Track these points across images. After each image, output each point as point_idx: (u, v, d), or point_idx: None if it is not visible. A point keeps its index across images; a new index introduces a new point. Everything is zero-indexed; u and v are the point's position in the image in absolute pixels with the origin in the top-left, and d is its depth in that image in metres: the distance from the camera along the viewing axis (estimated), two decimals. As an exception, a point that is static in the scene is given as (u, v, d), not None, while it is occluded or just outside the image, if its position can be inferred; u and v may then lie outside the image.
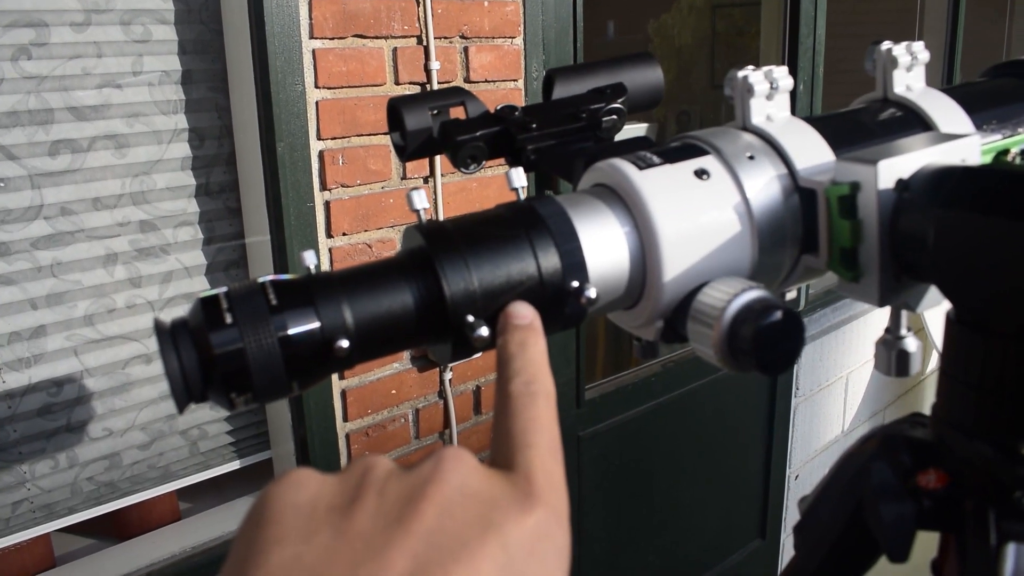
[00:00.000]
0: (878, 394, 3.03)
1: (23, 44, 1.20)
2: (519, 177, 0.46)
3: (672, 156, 0.47)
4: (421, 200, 0.44)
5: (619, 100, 0.58)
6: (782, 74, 0.50)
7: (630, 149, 0.50)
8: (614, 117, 0.57)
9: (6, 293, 1.24)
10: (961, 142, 0.47)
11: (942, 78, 3.31)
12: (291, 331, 0.37)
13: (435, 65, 1.48)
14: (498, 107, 0.56)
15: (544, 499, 0.31)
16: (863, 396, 2.95)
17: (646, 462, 2.18)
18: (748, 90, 0.49)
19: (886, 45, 0.56)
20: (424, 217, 0.44)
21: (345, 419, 1.50)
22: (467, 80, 1.55)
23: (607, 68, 0.60)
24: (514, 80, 1.63)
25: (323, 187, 1.40)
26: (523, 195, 0.46)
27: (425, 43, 1.47)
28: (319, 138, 1.38)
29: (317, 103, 1.36)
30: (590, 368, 2.48)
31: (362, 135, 1.43)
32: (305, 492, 0.30)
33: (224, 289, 0.38)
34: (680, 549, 2.37)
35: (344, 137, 1.41)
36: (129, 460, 1.39)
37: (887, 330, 0.50)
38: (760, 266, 0.47)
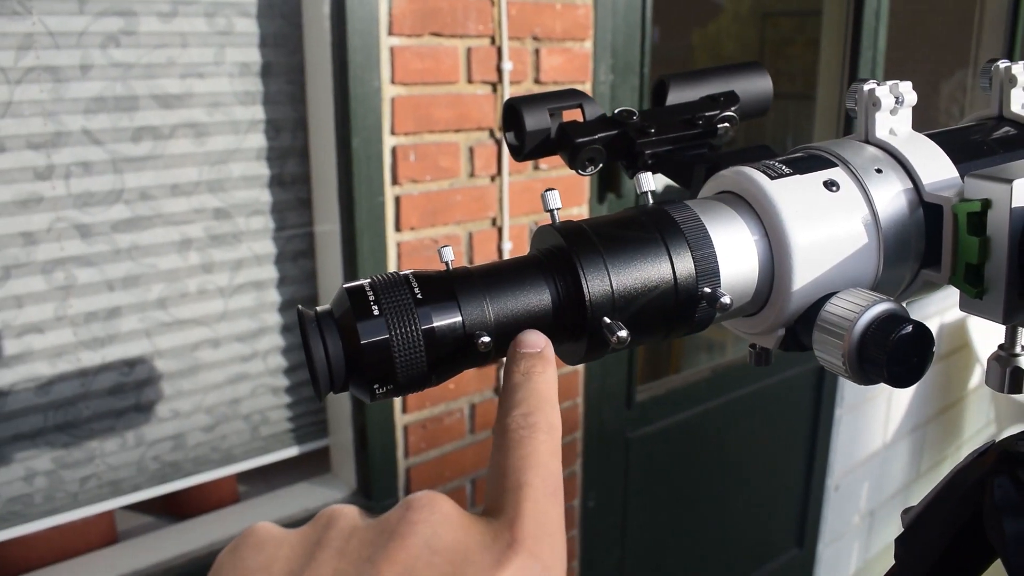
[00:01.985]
0: (920, 409, 3.00)
1: (112, 32, 1.23)
2: (648, 182, 0.47)
3: (801, 167, 0.47)
4: (555, 200, 0.46)
5: (732, 108, 0.59)
6: (907, 88, 0.51)
7: (753, 158, 0.51)
8: (727, 125, 0.58)
9: (85, 274, 1.28)
10: (1094, 163, 0.47)
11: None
12: (435, 324, 0.38)
13: (507, 66, 1.49)
14: (615, 111, 0.57)
15: (527, 548, 0.28)
16: (906, 410, 2.92)
17: (691, 466, 2.18)
18: (874, 103, 0.50)
19: (1004, 63, 0.56)
20: (558, 217, 0.45)
21: (404, 411, 1.52)
22: (536, 81, 1.56)
23: (719, 75, 0.61)
24: (582, 83, 1.64)
25: (394, 182, 1.42)
26: (651, 200, 0.47)
27: (499, 43, 1.49)
28: (392, 133, 1.40)
29: (392, 99, 1.38)
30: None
31: (434, 132, 1.44)
32: (261, 555, 0.29)
33: (367, 280, 0.39)
34: (719, 554, 2.37)
35: (416, 133, 1.42)
36: (193, 442, 1.42)
37: (1001, 347, 0.50)
38: (883, 279, 0.48)
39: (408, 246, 1.46)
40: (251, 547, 0.29)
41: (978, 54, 3.33)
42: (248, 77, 1.36)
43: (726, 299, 0.42)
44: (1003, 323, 0.46)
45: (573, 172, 1.68)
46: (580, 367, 1.77)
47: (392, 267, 1.46)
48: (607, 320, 0.40)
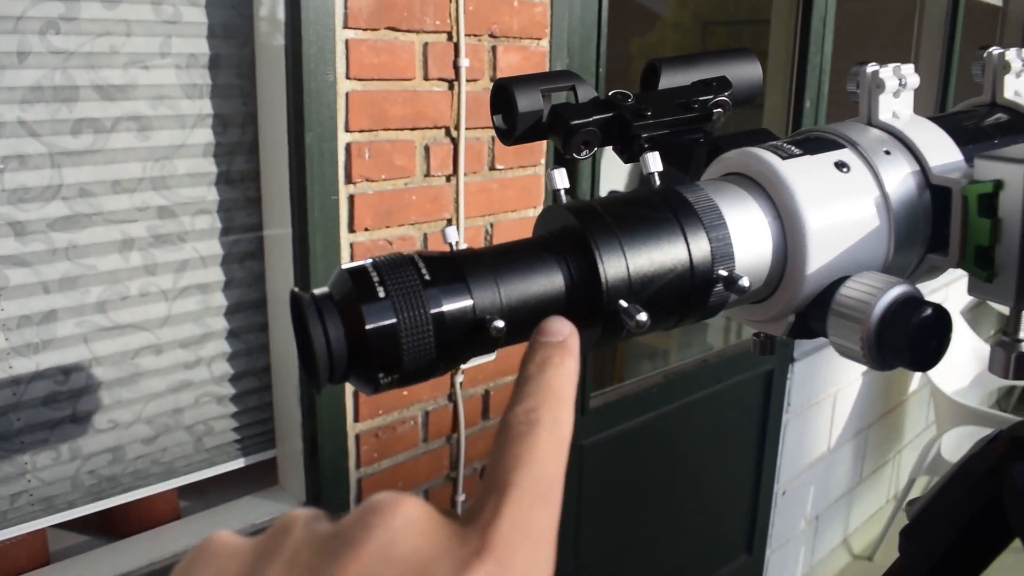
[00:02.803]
0: (863, 413, 3.05)
1: (52, 18, 1.17)
2: (655, 162, 0.45)
3: (810, 148, 0.46)
4: (563, 179, 0.43)
5: (725, 93, 0.57)
6: (909, 71, 0.50)
7: (755, 140, 0.49)
8: (720, 110, 0.56)
9: (19, 275, 1.21)
10: (1103, 144, 0.46)
11: (935, 104, 3.36)
12: (445, 308, 0.35)
13: (464, 62, 1.47)
14: (609, 93, 0.54)
15: (496, 555, 0.25)
16: (849, 415, 2.96)
17: (644, 473, 2.17)
18: (878, 85, 0.49)
19: (997, 50, 0.55)
20: (564, 198, 0.43)
21: (356, 419, 1.47)
22: (493, 79, 1.54)
23: (710, 61, 0.59)
24: (537, 83, 1.62)
25: (348, 180, 1.38)
26: (658, 181, 0.45)
27: (456, 39, 1.46)
28: (347, 130, 1.36)
29: (347, 94, 1.34)
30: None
31: (389, 129, 1.41)
32: (211, 569, 0.27)
33: (368, 260, 0.36)
34: (672, 561, 2.37)
35: (372, 130, 1.39)
36: (133, 454, 1.35)
37: (1004, 332, 0.49)
38: (893, 263, 0.46)
39: (362, 247, 1.42)
40: (203, 560, 0.27)
41: (918, 61, 3.42)
42: (195, 69, 1.31)
43: (744, 281, 0.40)
44: (1015, 306, 0.45)
45: (528, 173, 1.66)
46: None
47: (345, 269, 1.41)
48: (624, 304, 0.38)
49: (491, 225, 1.61)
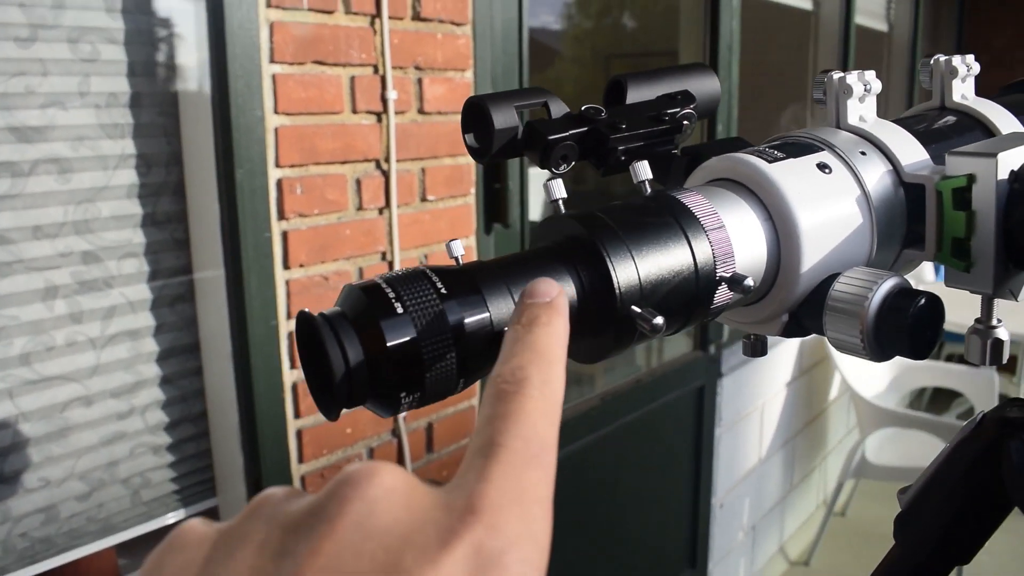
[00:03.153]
0: (789, 423, 3.13)
1: (-38, 61, 1.12)
2: (645, 170, 0.45)
3: (792, 151, 0.47)
4: (561, 190, 0.43)
5: (691, 105, 0.58)
6: (872, 77, 0.52)
7: (732, 148, 0.50)
8: (687, 122, 0.57)
9: (-65, 330, 1.14)
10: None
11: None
12: (465, 320, 0.35)
13: (392, 95, 1.46)
14: (582, 108, 0.55)
15: (485, 520, 0.23)
16: (776, 425, 3.04)
17: (586, 494, 2.18)
18: (845, 91, 0.50)
19: (944, 57, 0.58)
20: (563, 208, 0.43)
21: (300, 460, 1.44)
22: (421, 111, 1.54)
23: (671, 75, 0.60)
24: (464, 112, 1.62)
25: (281, 216, 1.35)
26: (648, 189, 0.45)
27: (382, 72, 1.45)
28: (277, 165, 1.33)
29: (276, 129, 1.32)
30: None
31: (320, 163, 1.39)
32: (181, 557, 0.25)
33: (378, 277, 0.35)
34: (617, 584, 2.37)
35: (302, 165, 1.37)
36: (67, 513, 1.29)
37: (978, 320, 0.51)
38: (876, 260, 0.48)
39: (298, 284, 1.39)
40: (172, 550, 0.25)
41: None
42: (116, 108, 1.27)
43: (749, 281, 0.40)
44: (992, 293, 0.47)
45: (459, 203, 1.67)
46: (475, 401, 1.74)
47: (282, 308, 1.38)
48: (637, 309, 0.38)
49: (425, 256, 1.60)
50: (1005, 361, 0.49)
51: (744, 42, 2.58)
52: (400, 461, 1.59)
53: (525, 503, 0.25)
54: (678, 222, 0.41)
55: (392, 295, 0.34)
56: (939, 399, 4.17)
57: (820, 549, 3.19)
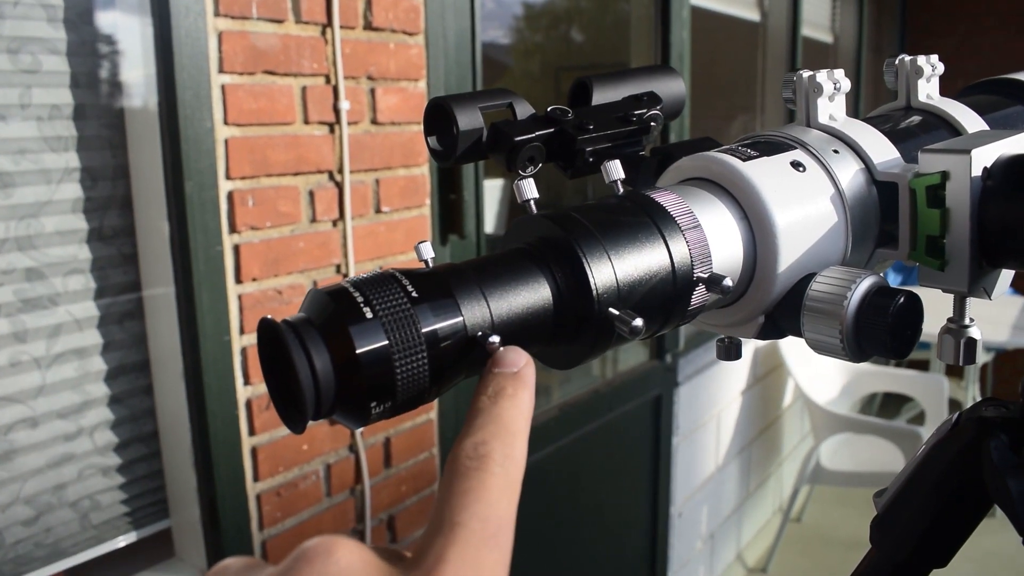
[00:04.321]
0: (745, 430, 3.15)
1: None
2: (617, 170, 0.44)
3: (765, 149, 0.46)
4: (532, 190, 0.42)
5: (657, 107, 0.57)
6: (841, 76, 0.51)
7: (704, 147, 0.50)
8: (654, 123, 0.57)
9: None
10: (1030, 134, 0.49)
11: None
12: (437, 325, 0.33)
13: (344, 105, 1.44)
14: (548, 109, 0.54)
15: None
16: (732, 433, 3.05)
17: (546, 505, 2.16)
18: (816, 89, 0.50)
19: (909, 57, 0.58)
20: (534, 208, 0.41)
21: (256, 478, 1.40)
22: (374, 122, 1.52)
23: (637, 77, 0.59)
24: (419, 123, 1.61)
25: (232, 230, 1.32)
26: (620, 189, 0.44)
27: (334, 82, 1.43)
28: (228, 177, 1.30)
29: (227, 140, 1.29)
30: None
31: (272, 175, 1.36)
32: None
33: (346, 281, 0.34)
34: (578, 597, 2.35)
35: (254, 177, 1.33)
36: (12, 538, 1.23)
37: (951, 320, 0.50)
38: (850, 259, 0.47)
39: (251, 298, 1.36)
40: None
41: (764, 93, 3.61)
42: (59, 120, 1.22)
43: (728, 281, 0.39)
44: (967, 291, 0.46)
45: (414, 214, 1.65)
46: (433, 415, 1.71)
47: (235, 324, 1.35)
48: (615, 311, 0.36)
49: (381, 267, 1.57)
50: (978, 360, 0.49)
51: (694, 53, 2.61)
52: (358, 477, 1.56)
53: None
54: (654, 222, 0.40)
55: (360, 299, 0.32)
56: (889, 404, 4.25)
57: (777, 556, 3.22)
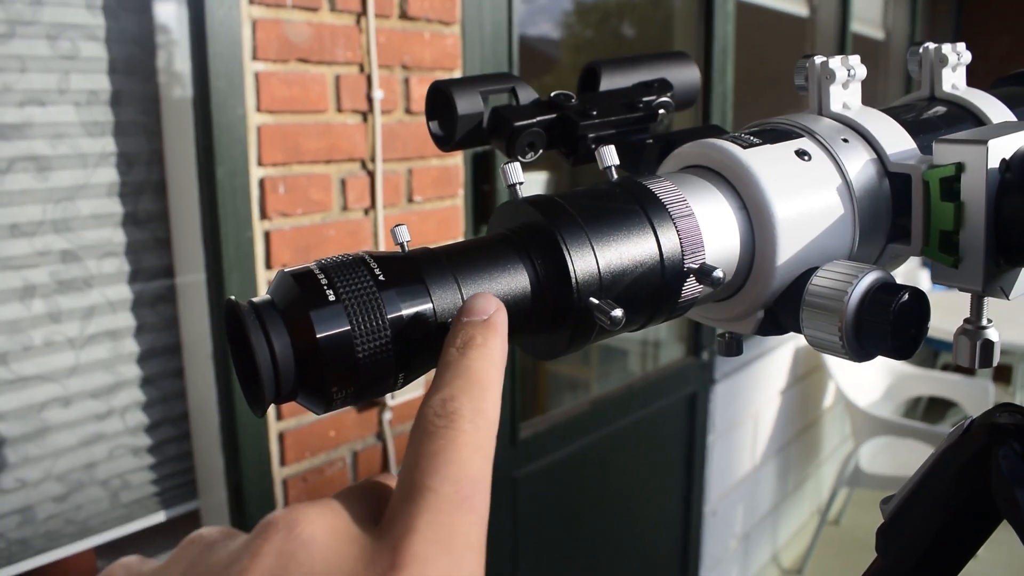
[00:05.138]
0: (783, 430, 3.10)
1: (-64, 55, 1.10)
2: (612, 155, 0.43)
3: (769, 137, 0.44)
4: (518, 174, 0.41)
5: (667, 94, 0.56)
6: (856, 62, 0.49)
7: (707, 135, 0.48)
8: (663, 111, 0.55)
9: (-93, 329, 1.12)
10: (1056, 126, 0.47)
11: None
12: (404, 311, 0.32)
13: (378, 94, 1.44)
14: (551, 94, 0.53)
15: (411, 574, 0.22)
16: (771, 432, 3.01)
17: (577, 501, 2.15)
18: (828, 76, 0.48)
19: (933, 45, 0.56)
20: (520, 193, 0.40)
21: (282, 463, 1.41)
22: (407, 111, 1.51)
23: (649, 63, 0.58)
24: (453, 112, 1.60)
25: (263, 216, 1.33)
26: (615, 175, 0.43)
27: (368, 71, 1.43)
28: (260, 164, 1.31)
29: (259, 128, 1.30)
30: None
31: (304, 163, 1.37)
32: None
33: (314, 263, 0.33)
34: (608, 593, 2.34)
35: (285, 164, 1.34)
36: (44, 514, 1.26)
37: (967, 321, 0.48)
38: (858, 254, 0.45)
39: (281, 285, 1.37)
40: None
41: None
42: (96, 106, 1.24)
43: (719, 272, 0.38)
44: (982, 291, 0.44)
45: (447, 205, 1.64)
46: (464, 406, 1.71)
47: (264, 308, 1.36)
48: (595, 301, 0.35)
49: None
50: (996, 363, 0.47)
51: (740, 48, 2.56)
52: (385, 466, 1.57)
53: (455, 552, 0.23)
54: (643, 209, 0.38)
55: (325, 282, 0.31)
56: (934, 409, 4.15)
57: (813, 558, 3.16)
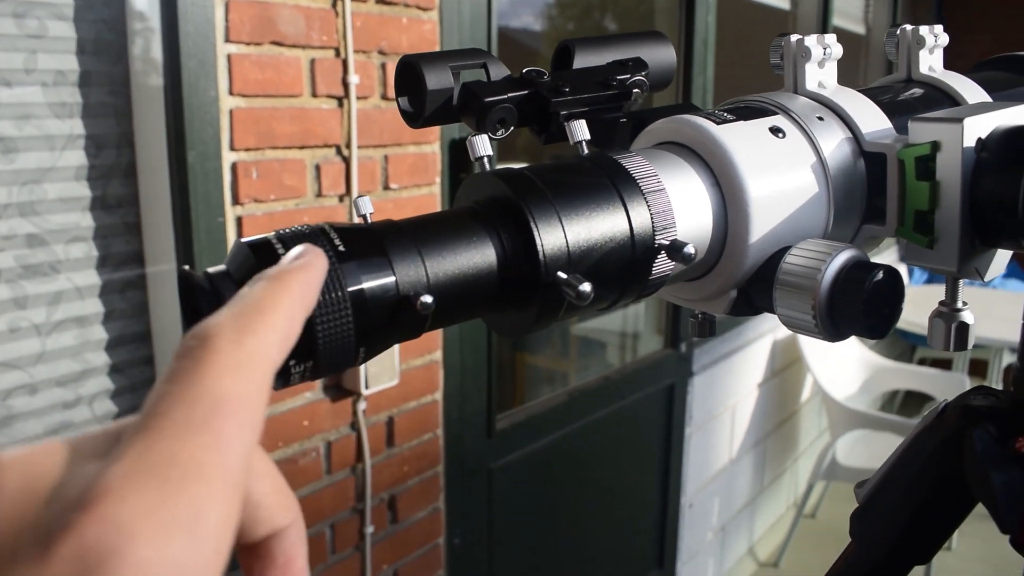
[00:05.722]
0: (761, 424, 3.11)
1: (-103, 32, 1.07)
2: (583, 130, 0.42)
3: (743, 114, 0.43)
4: (486, 147, 0.39)
5: (642, 73, 0.54)
6: (832, 40, 0.48)
7: (680, 111, 0.47)
8: (638, 90, 0.54)
9: None
10: (1030, 105, 0.46)
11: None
12: (365, 284, 0.31)
13: (354, 79, 1.42)
14: (524, 71, 0.51)
15: (101, 511, 0.18)
16: (748, 425, 3.02)
17: (554, 493, 2.14)
18: (804, 54, 0.47)
19: (911, 27, 0.55)
20: (488, 166, 0.39)
21: (254, 452, 1.39)
22: (384, 97, 1.50)
23: (623, 42, 0.56)
24: (430, 99, 1.58)
25: (235, 201, 1.30)
26: (586, 150, 0.42)
27: (344, 56, 1.41)
28: (232, 149, 1.29)
29: (231, 111, 1.27)
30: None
31: (277, 148, 1.34)
32: None
33: (272, 233, 0.32)
34: (584, 584, 2.34)
35: (258, 149, 1.32)
36: (7, 504, 1.23)
37: (942, 303, 0.48)
38: (832, 234, 0.44)
39: (253, 271, 1.35)
40: None
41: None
42: (64, 87, 1.22)
43: (690, 248, 0.37)
44: (957, 272, 0.44)
45: (423, 192, 1.62)
46: (439, 395, 1.70)
47: (236, 295, 1.34)
48: (562, 275, 0.34)
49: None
50: (971, 346, 0.46)
51: (720, 40, 2.56)
52: (359, 455, 1.55)
53: (171, 482, 0.18)
54: (613, 184, 0.37)
55: (282, 252, 0.30)
56: (911, 402, 4.18)
57: (789, 551, 3.18)
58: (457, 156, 1.65)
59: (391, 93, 1.50)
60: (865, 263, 0.39)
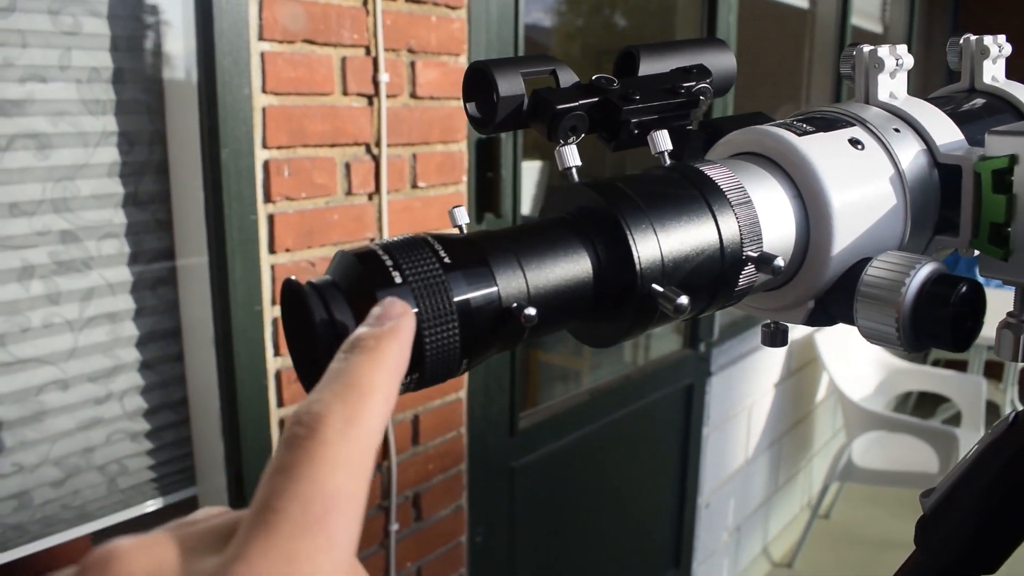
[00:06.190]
0: (776, 424, 3.11)
1: (-63, 29, 1.07)
2: (665, 140, 0.42)
3: (821, 125, 0.44)
4: (575, 157, 0.40)
5: (706, 80, 0.55)
6: (904, 52, 0.48)
7: (752, 122, 0.47)
8: (703, 98, 0.54)
9: (-96, 308, 1.10)
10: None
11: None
12: (470, 295, 0.31)
13: (384, 78, 1.42)
14: (592, 78, 0.51)
15: None
16: (763, 426, 3.01)
17: (574, 491, 2.15)
18: (876, 65, 0.47)
19: (974, 36, 0.55)
20: (575, 176, 0.39)
21: (282, 449, 1.39)
22: (413, 95, 1.50)
23: (686, 49, 0.56)
24: (458, 99, 1.58)
25: (267, 199, 1.31)
26: (667, 161, 0.42)
27: (374, 54, 1.41)
28: (264, 146, 1.29)
29: (264, 109, 1.28)
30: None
31: (308, 146, 1.35)
32: None
33: (375, 243, 0.32)
34: (600, 583, 2.34)
35: (290, 147, 1.32)
36: (40, 499, 1.24)
37: (1010, 314, 0.48)
38: (908, 244, 0.44)
39: (283, 269, 1.35)
40: None
41: (809, 88, 3.54)
42: (98, 83, 1.22)
43: (780, 261, 0.37)
44: (1026, 285, 0.44)
45: (450, 191, 1.62)
46: (463, 394, 1.70)
47: (267, 294, 1.34)
48: (659, 287, 0.34)
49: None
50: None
51: (740, 39, 2.55)
52: (385, 453, 1.56)
53: None
54: (703, 195, 0.37)
55: (390, 263, 0.30)
56: (925, 403, 4.17)
57: (804, 551, 3.18)
58: (483, 155, 1.65)
59: (420, 92, 1.51)
60: (948, 276, 0.39)
